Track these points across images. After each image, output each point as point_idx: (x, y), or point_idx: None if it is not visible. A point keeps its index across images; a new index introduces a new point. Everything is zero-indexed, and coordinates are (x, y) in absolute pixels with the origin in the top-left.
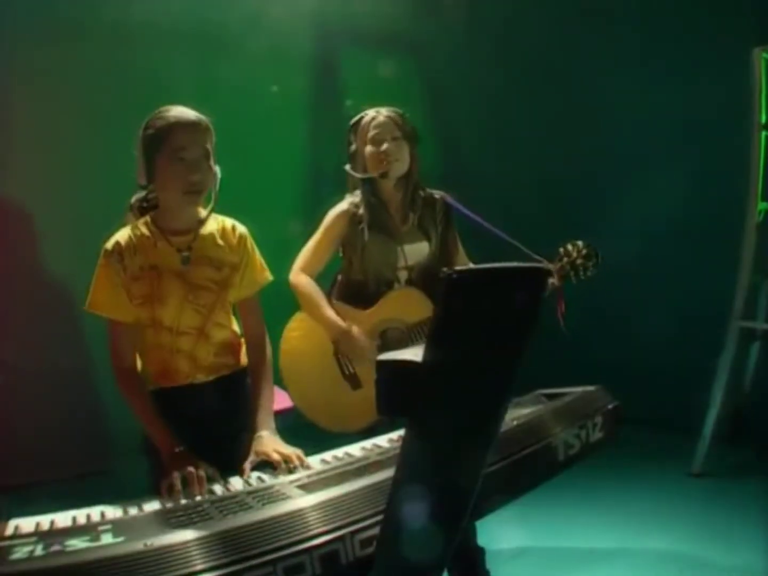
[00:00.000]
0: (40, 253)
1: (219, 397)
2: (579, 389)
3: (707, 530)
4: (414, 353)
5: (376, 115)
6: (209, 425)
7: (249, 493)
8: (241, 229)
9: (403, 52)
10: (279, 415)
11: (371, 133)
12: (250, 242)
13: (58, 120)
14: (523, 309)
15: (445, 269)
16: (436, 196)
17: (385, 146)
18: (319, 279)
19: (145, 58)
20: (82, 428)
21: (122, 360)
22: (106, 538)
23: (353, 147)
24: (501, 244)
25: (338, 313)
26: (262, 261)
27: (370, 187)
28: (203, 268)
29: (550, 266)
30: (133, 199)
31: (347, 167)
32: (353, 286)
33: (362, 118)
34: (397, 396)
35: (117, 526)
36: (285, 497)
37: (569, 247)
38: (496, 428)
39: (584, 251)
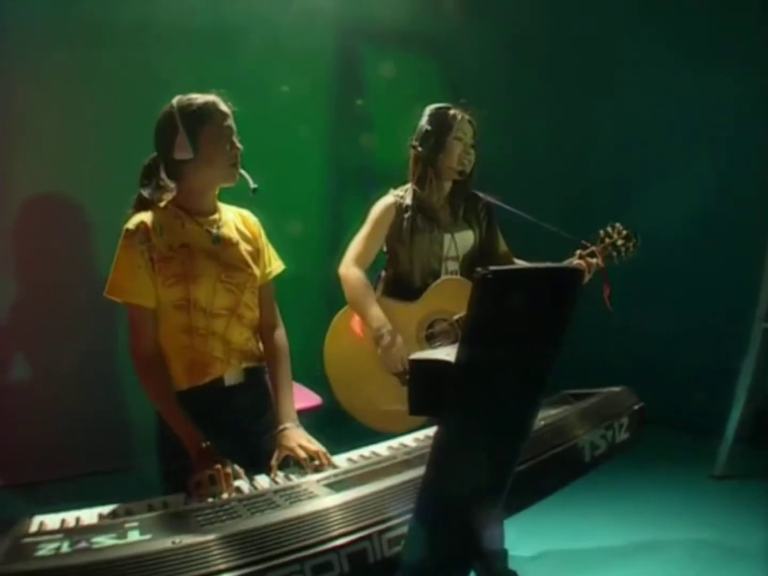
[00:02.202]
0: (66, 248)
1: (248, 394)
2: (605, 390)
3: (729, 534)
4: (446, 353)
5: (464, 115)
6: (238, 423)
7: (276, 491)
8: (254, 218)
9: (422, 49)
10: (305, 412)
11: (460, 131)
12: (263, 231)
13: (72, 119)
14: (556, 309)
15: (479, 269)
16: (479, 196)
17: (471, 151)
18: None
19: (165, 58)
20: (107, 425)
21: (144, 348)
22: (133, 536)
23: (429, 129)
24: (544, 237)
25: (384, 309)
26: (273, 250)
27: (429, 173)
28: (232, 248)
29: (594, 248)
30: (145, 192)
31: (416, 143)
32: (399, 280)
33: (448, 109)
34: (429, 396)
35: (144, 524)
36: (313, 496)
37: (609, 229)
38: (528, 429)
39: (624, 232)
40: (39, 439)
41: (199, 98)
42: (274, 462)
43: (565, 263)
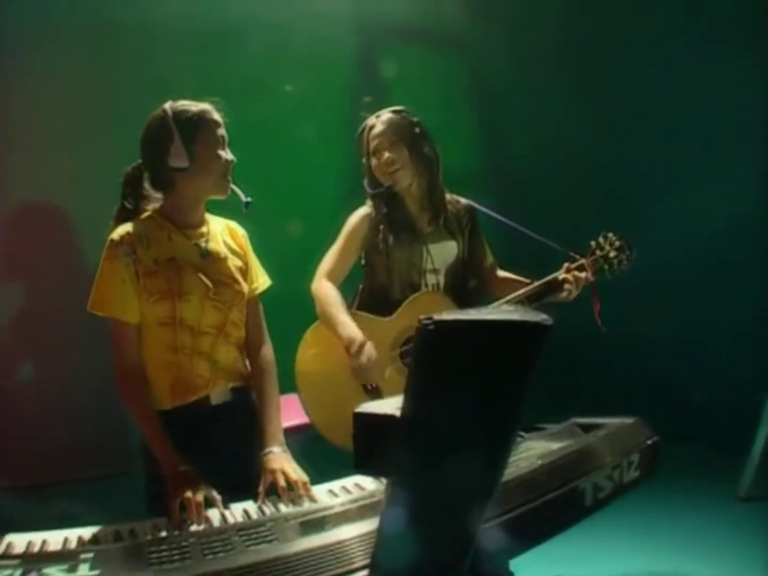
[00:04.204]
0: (71, 257)
1: (235, 414)
2: (615, 421)
3: (752, 559)
4: (394, 405)
5: (374, 122)
6: (225, 444)
7: (239, 529)
8: (242, 230)
9: (448, 49)
10: (296, 432)
11: (372, 144)
12: (250, 244)
13: (76, 126)
14: (511, 365)
15: (422, 317)
16: (462, 201)
17: (385, 156)
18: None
19: (170, 60)
20: (113, 428)
21: (128, 364)
22: (83, 570)
23: (363, 160)
24: (534, 245)
25: (359, 323)
26: (259, 265)
27: (386, 197)
28: (220, 263)
29: (583, 261)
30: (127, 203)
31: (365, 183)
32: (377, 294)
33: (364, 128)
34: (374, 453)
35: (98, 557)
36: (273, 539)
37: (601, 239)
38: (490, 487)
39: (617, 243)
40: (47, 443)
41: (193, 105)
42: (261, 489)
43: (551, 278)
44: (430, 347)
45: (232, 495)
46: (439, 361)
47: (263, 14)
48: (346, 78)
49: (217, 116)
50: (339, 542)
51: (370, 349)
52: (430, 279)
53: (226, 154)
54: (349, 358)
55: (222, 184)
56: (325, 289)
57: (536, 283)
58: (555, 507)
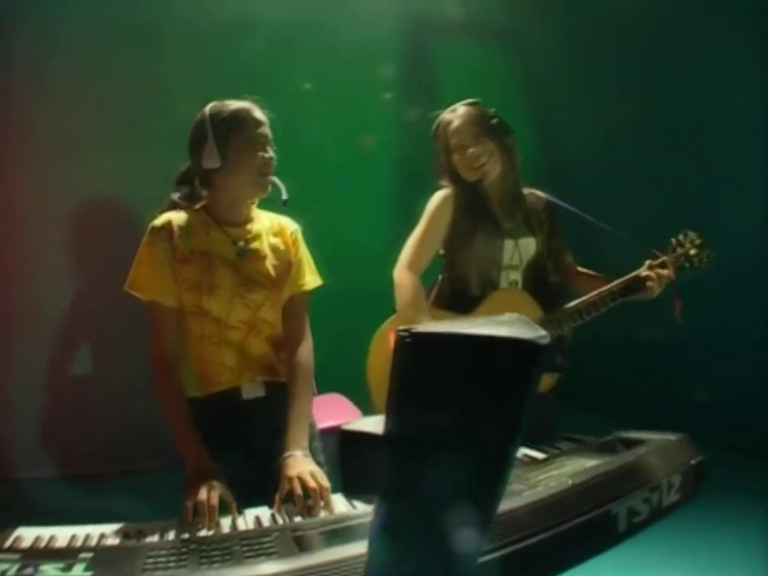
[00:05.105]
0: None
1: (268, 410)
2: (658, 437)
3: None
4: (378, 424)
5: (451, 118)
6: (253, 441)
7: (243, 538)
8: (294, 226)
9: (501, 43)
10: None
11: (452, 141)
12: (301, 241)
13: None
14: (502, 385)
15: (399, 328)
16: (540, 195)
17: (470, 151)
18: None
19: (215, 59)
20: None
21: (164, 351)
22: (78, 570)
23: (438, 154)
24: (611, 240)
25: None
26: (312, 263)
27: (467, 188)
28: (257, 262)
29: (665, 258)
30: (176, 197)
31: (444, 180)
32: (455, 287)
33: (440, 124)
34: (361, 475)
35: (96, 558)
36: (273, 552)
37: (681, 237)
38: (482, 516)
39: (698, 241)
40: (98, 434)
41: (232, 105)
42: (278, 497)
43: (634, 274)
44: (407, 361)
45: (256, 495)
46: (418, 377)
47: (314, 14)
48: (396, 74)
49: (257, 114)
50: (341, 560)
51: None
52: (511, 275)
53: (265, 153)
54: None
55: (260, 182)
56: (408, 284)
57: (619, 280)
58: (583, 533)
